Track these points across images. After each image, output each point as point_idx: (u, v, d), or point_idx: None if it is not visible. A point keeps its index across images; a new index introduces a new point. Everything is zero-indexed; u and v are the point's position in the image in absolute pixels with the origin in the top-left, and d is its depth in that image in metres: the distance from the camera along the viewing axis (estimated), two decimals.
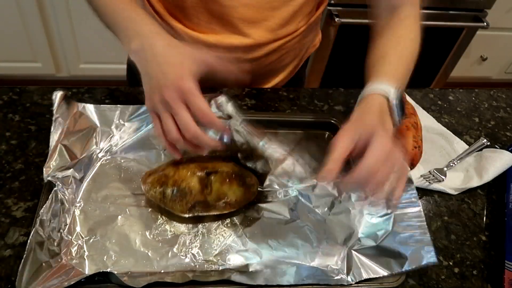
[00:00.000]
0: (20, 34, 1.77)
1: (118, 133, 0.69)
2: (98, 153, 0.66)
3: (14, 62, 1.89)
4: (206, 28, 0.75)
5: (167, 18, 0.76)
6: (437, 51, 1.99)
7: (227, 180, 0.59)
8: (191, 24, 0.76)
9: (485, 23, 1.85)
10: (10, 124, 0.71)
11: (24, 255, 0.51)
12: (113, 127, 0.69)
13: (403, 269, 0.56)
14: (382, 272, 0.56)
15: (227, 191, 0.59)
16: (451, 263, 0.62)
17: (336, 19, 1.68)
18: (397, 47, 0.67)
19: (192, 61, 0.55)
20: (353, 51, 1.78)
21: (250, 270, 0.56)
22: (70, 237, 0.56)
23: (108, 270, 0.53)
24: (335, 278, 0.56)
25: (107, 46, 1.83)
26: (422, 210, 0.61)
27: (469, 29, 1.90)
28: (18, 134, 0.69)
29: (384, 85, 0.60)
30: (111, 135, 0.69)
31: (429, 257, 0.56)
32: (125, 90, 0.79)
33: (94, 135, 0.68)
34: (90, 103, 0.70)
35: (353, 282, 0.55)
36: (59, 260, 0.54)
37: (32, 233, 0.53)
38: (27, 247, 0.52)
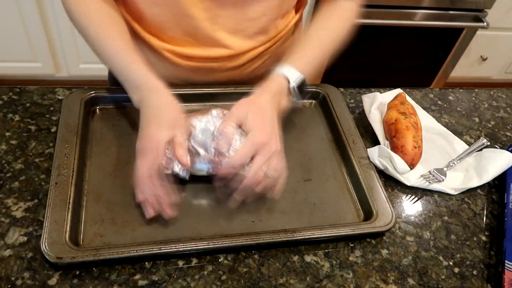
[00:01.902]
0: (20, 34, 1.76)
1: None
2: None
3: (14, 62, 1.89)
4: (184, 42, 0.74)
5: (144, 35, 0.74)
6: (437, 51, 1.99)
7: None
8: (168, 39, 0.74)
9: (485, 23, 1.85)
10: (10, 124, 0.70)
11: None
12: None
13: None
14: None
15: None
16: (451, 263, 0.62)
17: None
18: (320, 31, 0.74)
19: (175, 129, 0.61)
20: (353, 51, 1.78)
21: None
22: None
23: None
24: None
25: None
26: None
27: (469, 29, 1.91)
28: (18, 134, 0.69)
29: (291, 68, 0.67)
30: None
31: None
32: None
33: None
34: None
35: None
36: None
37: None
38: None
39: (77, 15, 0.68)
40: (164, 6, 0.68)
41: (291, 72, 0.67)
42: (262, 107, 0.63)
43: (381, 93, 0.86)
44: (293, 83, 0.66)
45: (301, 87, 0.68)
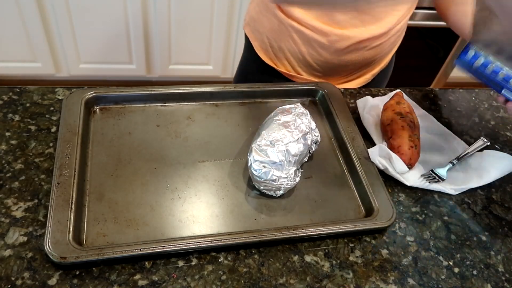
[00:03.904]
0: (20, 34, 1.76)
1: None
2: None
3: (14, 62, 1.89)
4: (349, 24, 0.81)
5: (313, 23, 0.82)
6: (437, 51, 1.99)
7: None
8: (334, 23, 0.82)
9: None
10: (10, 124, 0.71)
11: None
12: None
13: None
14: None
15: None
16: (451, 263, 0.62)
17: None
18: None
19: None
20: None
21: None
22: None
23: None
24: None
25: (107, 46, 1.83)
26: None
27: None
28: (18, 134, 0.69)
29: None
30: None
31: None
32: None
33: None
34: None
35: None
36: None
37: None
38: None
39: None
40: None
41: None
42: None
43: (381, 94, 0.86)
44: None
45: None
